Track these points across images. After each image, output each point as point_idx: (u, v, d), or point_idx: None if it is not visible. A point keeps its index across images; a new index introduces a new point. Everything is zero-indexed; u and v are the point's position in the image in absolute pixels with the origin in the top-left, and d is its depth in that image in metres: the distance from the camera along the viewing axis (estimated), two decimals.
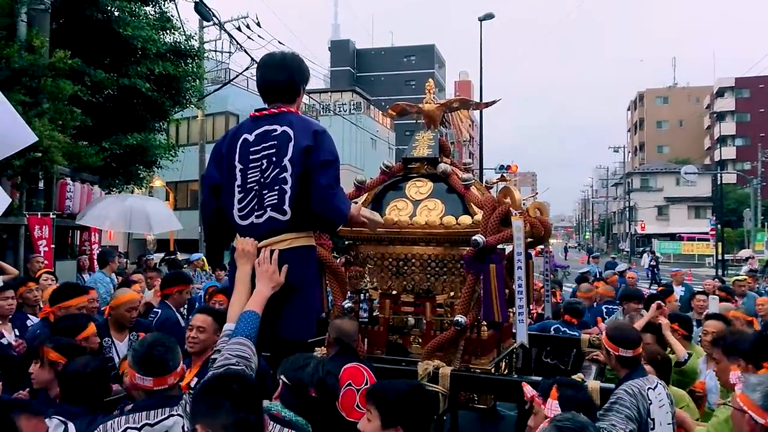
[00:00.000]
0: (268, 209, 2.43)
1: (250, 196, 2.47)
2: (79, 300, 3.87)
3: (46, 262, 7.60)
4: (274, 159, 2.43)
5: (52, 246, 8.40)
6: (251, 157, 2.47)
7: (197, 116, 18.50)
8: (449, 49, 73.39)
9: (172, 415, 1.96)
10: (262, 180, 2.44)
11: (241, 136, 2.52)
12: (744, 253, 33.78)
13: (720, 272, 24.83)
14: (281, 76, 2.56)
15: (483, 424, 4.63)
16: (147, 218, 8.80)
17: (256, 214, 2.45)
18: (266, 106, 2.59)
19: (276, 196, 2.42)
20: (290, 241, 2.45)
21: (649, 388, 2.73)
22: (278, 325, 2.39)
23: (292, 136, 2.43)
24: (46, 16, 8.76)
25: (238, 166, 2.49)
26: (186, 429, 1.94)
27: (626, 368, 3.07)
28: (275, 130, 2.46)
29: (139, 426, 1.94)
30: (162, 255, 14.14)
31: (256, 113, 2.57)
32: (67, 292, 3.92)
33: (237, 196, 2.49)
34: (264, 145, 2.46)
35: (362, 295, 3.96)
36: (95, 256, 9.76)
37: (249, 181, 2.46)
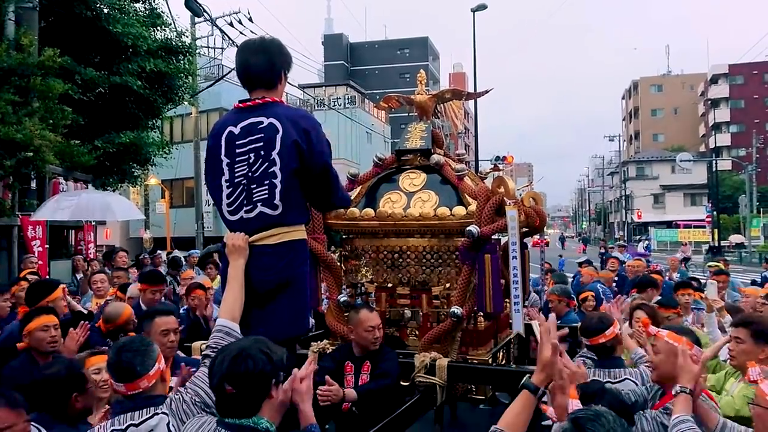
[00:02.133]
0: (259, 204, 2.39)
1: (238, 191, 2.42)
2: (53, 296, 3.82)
3: (40, 262, 7.57)
4: (262, 153, 2.37)
5: (47, 246, 8.37)
6: (237, 150, 2.41)
7: (191, 113, 18.41)
8: (443, 41, 73.17)
9: (157, 414, 1.94)
10: (249, 174, 2.40)
11: (226, 129, 2.46)
12: (734, 238, 33.84)
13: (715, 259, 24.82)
14: (261, 59, 2.48)
15: (482, 414, 4.63)
16: (108, 206, 8.64)
17: (245, 209, 2.41)
18: (250, 97, 2.52)
19: (266, 191, 2.38)
20: (281, 236, 2.41)
21: (606, 382, 2.68)
22: (271, 321, 2.35)
23: (280, 129, 2.37)
24: (35, 15, 8.67)
25: (225, 160, 2.44)
26: (172, 426, 1.93)
27: (599, 356, 3.04)
28: (261, 123, 2.40)
29: (123, 427, 1.93)
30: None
31: (241, 104, 2.52)
32: (41, 291, 3.86)
33: (225, 191, 2.44)
34: (251, 138, 2.40)
35: (358, 288, 3.94)
36: (91, 256, 9.77)
37: (236, 175, 2.42)
